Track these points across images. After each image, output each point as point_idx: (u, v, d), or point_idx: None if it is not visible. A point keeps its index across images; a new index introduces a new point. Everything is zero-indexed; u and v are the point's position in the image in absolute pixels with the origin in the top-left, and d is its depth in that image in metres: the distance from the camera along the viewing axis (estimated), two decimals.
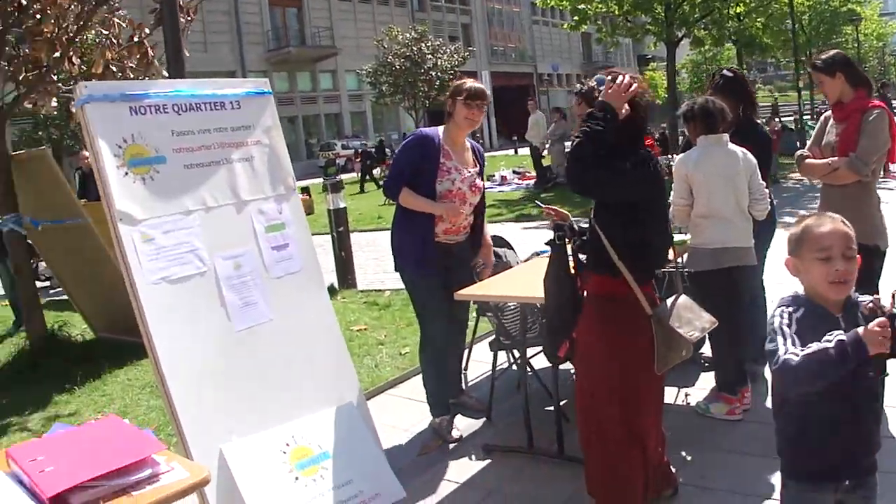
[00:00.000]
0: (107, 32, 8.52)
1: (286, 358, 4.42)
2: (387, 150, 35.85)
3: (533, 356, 5.61)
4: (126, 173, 4.01)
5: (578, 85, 3.79)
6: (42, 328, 8.68)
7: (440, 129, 5.23)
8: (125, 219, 3.94)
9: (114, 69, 8.26)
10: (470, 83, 5.18)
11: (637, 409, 3.83)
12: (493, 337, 5.89)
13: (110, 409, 6.71)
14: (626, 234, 3.68)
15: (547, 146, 22.41)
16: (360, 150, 35.26)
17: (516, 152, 42.23)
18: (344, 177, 19.32)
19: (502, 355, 6.10)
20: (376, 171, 31.48)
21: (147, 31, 8.59)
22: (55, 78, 8.49)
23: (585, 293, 3.99)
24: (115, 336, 9.01)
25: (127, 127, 4.09)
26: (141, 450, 2.58)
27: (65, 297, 10.42)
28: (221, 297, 4.22)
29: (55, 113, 11.38)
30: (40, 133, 28.06)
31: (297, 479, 4.16)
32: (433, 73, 40.78)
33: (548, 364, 6.08)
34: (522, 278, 5.29)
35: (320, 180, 25.99)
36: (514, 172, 26.74)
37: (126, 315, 8.54)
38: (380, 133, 51.02)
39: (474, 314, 6.14)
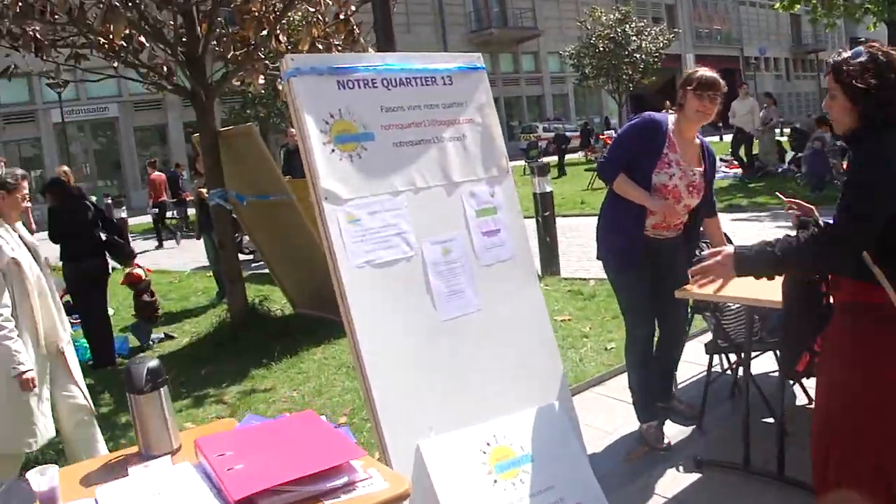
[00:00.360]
0: (313, 10, 8.51)
1: (492, 351, 4.13)
2: (591, 135, 35.31)
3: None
4: (332, 150, 3.80)
5: (835, 55, 3.30)
6: (243, 302, 8.80)
7: (671, 117, 4.81)
8: (330, 198, 3.73)
9: (320, 47, 8.26)
10: (701, 71, 4.70)
11: (889, 438, 3.30)
12: (710, 339, 5.42)
13: (306, 388, 6.70)
14: (884, 234, 3.17)
15: (758, 133, 21.26)
16: (556, 134, 34.80)
17: (721, 139, 40.77)
18: (547, 160, 19.02)
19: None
20: (577, 155, 31.04)
21: (353, 8, 8.53)
22: (262, 56, 8.57)
23: (832, 300, 3.49)
24: (313, 313, 9.07)
25: (334, 101, 3.88)
26: (338, 454, 2.33)
27: (266, 270, 10.58)
28: (427, 284, 3.97)
29: (262, 91, 11.58)
30: (248, 111, 29.15)
31: (495, 481, 3.87)
32: (637, 56, 39.96)
33: (766, 370, 5.63)
34: (749, 277, 4.81)
35: (520, 163, 25.76)
36: (721, 160, 25.67)
37: (324, 292, 8.53)
38: (582, 116, 50.43)
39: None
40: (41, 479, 2.43)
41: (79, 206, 8.24)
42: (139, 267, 9.41)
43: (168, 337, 9.32)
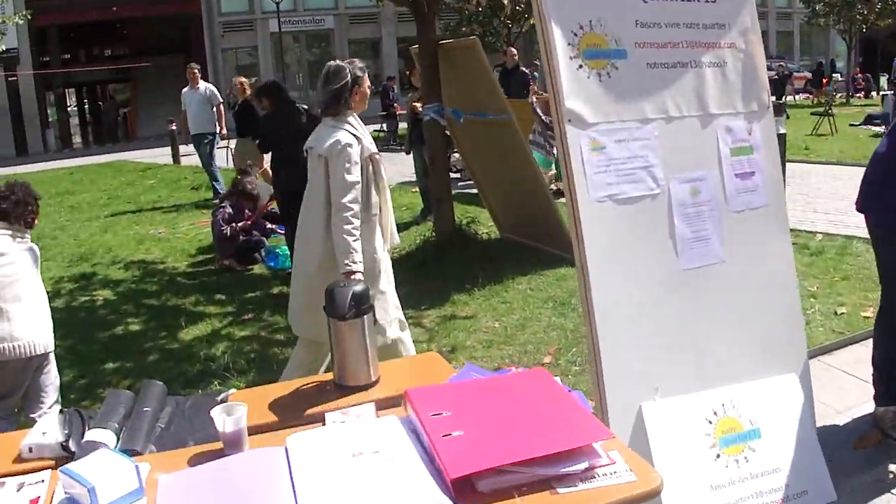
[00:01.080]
0: None
1: (732, 310, 3.65)
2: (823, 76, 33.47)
3: None
4: (580, 66, 3.34)
5: None
6: (450, 222, 8.54)
7: None
8: (574, 120, 3.29)
9: None
10: None
11: None
12: None
13: (509, 319, 6.41)
14: None
15: None
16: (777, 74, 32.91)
17: None
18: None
19: None
20: (800, 97, 29.30)
21: None
22: None
23: None
24: (521, 239, 8.73)
25: (586, 11, 3.41)
26: (579, 433, 1.93)
27: (475, 190, 10.26)
28: (671, 227, 3.51)
29: (480, 8, 11.22)
30: (464, 28, 28.79)
31: (718, 456, 3.47)
32: None
33: None
34: None
35: None
36: None
37: (535, 219, 8.23)
38: (806, 56, 47.66)
39: None
40: (227, 419, 2.16)
41: (293, 111, 8.14)
42: None
43: None
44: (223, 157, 14.02)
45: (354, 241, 4.39)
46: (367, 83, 4.70)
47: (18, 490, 2.13)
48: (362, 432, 2.08)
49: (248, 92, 12.53)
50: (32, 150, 32.02)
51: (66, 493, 1.94)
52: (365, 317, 3.02)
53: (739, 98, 3.78)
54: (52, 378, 4.66)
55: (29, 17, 24.61)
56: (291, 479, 1.91)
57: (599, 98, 3.36)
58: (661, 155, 3.48)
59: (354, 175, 4.43)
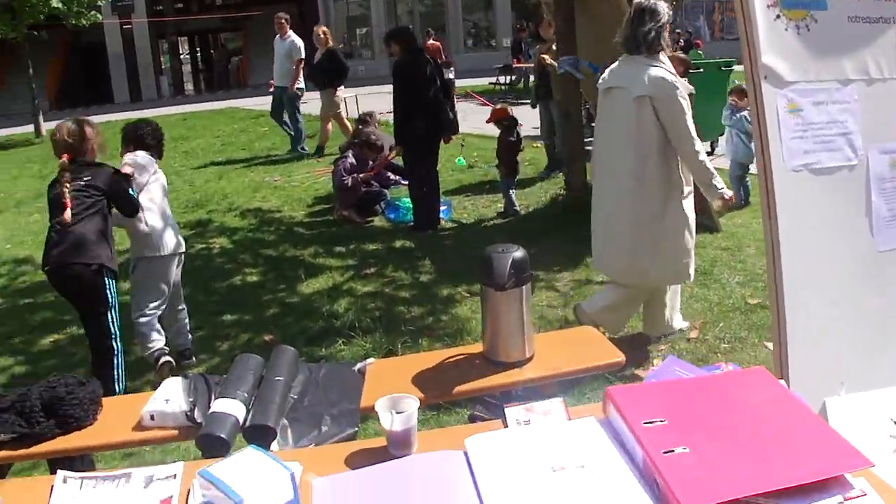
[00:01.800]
0: None
1: None
2: None
3: None
4: (777, 16, 2.92)
5: None
6: (581, 181, 8.11)
7: None
8: (771, 77, 2.88)
9: None
10: None
11: None
12: None
13: None
14: None
15: None
16: None
17: None
18: None
19: None
20: None
21: None
22: None
23: None
24: None
25: None
26: (832, 459, 1.60)
27: None
28: (868, 203, 3.08)
29: None
30: None
31: None
32: None
33: None
34: None
35: None
36: None
37: None
38: None
39: None
40: (396, 417, 1.87)
41: (422, 59, 7.89)
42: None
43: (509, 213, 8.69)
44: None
45: (711, 166, 4.60)
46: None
47: (146, 486, 1.89)
48: (557, 439, 1.75)
49: (331, 42, 12.28)
50: (146, 97, 32.46)
51: (204, 497, 1.64)
52: (524, 287, 2.74)
53: None
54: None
55: None
56: (478, 494, 1.61)
57: (797, 53, 2.94)
58: (861, 121, 3.06)
59: (688, 110, 4.50)
